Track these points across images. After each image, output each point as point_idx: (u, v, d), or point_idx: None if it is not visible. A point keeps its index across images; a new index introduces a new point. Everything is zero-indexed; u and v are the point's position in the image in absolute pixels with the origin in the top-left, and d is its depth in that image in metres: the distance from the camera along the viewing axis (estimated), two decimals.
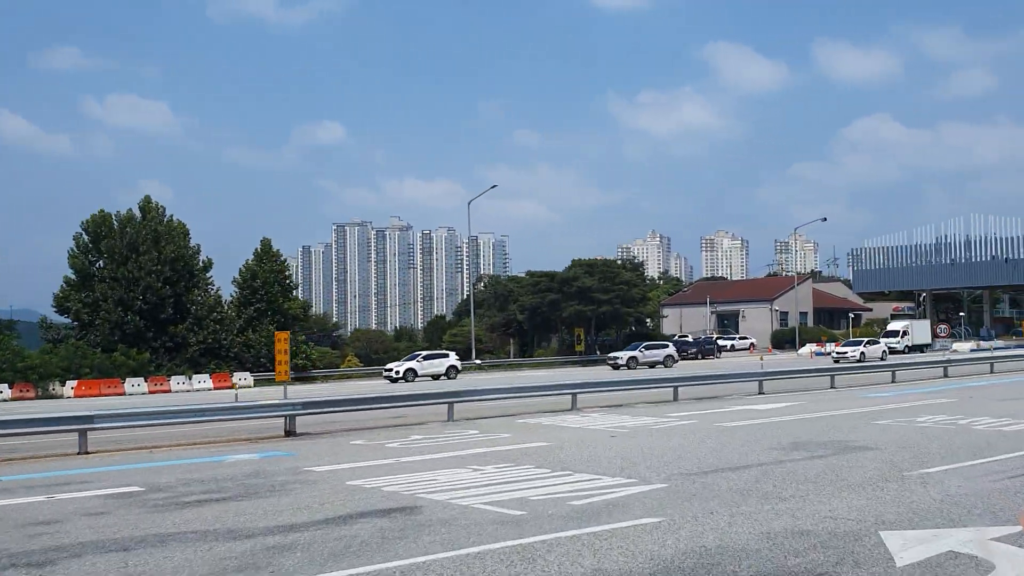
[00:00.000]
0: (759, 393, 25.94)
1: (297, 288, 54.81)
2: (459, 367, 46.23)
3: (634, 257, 64.43)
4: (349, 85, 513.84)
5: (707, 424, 17.48)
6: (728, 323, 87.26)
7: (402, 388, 28.32)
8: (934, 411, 19.52)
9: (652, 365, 50.73)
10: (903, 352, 59.47)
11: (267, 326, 49.59)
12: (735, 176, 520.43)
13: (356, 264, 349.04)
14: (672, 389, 23.63)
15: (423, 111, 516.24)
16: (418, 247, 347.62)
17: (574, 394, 20.86)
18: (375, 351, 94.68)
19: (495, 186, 53.68)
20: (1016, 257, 71.86)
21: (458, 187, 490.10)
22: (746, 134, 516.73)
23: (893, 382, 30.03)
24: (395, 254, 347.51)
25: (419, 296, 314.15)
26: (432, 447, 14.47)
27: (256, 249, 52.11)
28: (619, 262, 64.25)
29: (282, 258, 52.70)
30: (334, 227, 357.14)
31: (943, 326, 45.37)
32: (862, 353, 49.88)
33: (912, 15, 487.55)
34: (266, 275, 50.85)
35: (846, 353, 50.30)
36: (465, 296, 76.51)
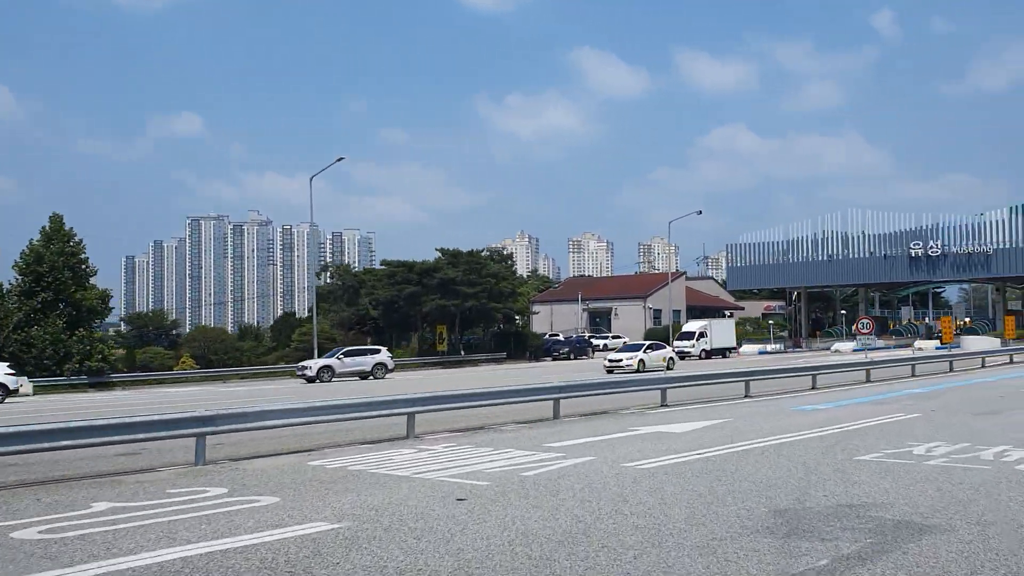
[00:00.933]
0: (662, 405, 19.82)
1: (95, 274, 45.27)
2: (12, 386, 31.32)
3: (503, 248, 58.02)
4: (207, 75, 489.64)
5: (611, 466, 11.00)
6: (600, 321, 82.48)
7: (128, 411, 20.55)
8: (914, 435, 13.84)
9: (363, 376, 40.13)
10: (699, 358, 52.70)
11: (55, 320, 40.32)
12: (599, 180, 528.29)
13: (212, 260, 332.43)
14: (552, 403, 17.10)
15: (284, 105, 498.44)
16: (278, 243, 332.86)
17: (411, 413, 14.00)
18: (215, 351, 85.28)
19: (342, 158, 45.93)
20: (893, 254, 69.66)
21: (323, 183, 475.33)
22: (610, 139, 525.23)
23: (814, 388, 24.61)
24: (254, 250, 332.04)
25: (279, 293, 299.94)
26: (93, 543, 7.31)
27: (44, 227, 42.28)
28: (486, 253, 57.65)
29: (76, 238, 42.96)
30: (188, 221, 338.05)
31: (865, 320, 40.45)
32: (641, 361, 38.43)
33: (767, 27, 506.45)
34: (54, 258, 41.22)
35: (621, 361, 38.66)
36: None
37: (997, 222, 65.57)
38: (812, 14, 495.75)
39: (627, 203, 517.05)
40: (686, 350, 52.59)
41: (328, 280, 63.56)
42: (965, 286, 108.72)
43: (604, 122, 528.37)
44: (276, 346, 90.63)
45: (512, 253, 65.63)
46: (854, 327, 50.54)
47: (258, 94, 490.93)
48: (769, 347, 66.36)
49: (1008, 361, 37.56)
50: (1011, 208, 65.29)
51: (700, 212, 74.77)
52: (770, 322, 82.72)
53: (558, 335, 72.00)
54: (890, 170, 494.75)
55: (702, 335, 55.15)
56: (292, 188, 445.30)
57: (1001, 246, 64.47)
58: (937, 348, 55.05)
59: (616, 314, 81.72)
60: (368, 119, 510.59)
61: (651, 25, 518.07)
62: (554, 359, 59.03)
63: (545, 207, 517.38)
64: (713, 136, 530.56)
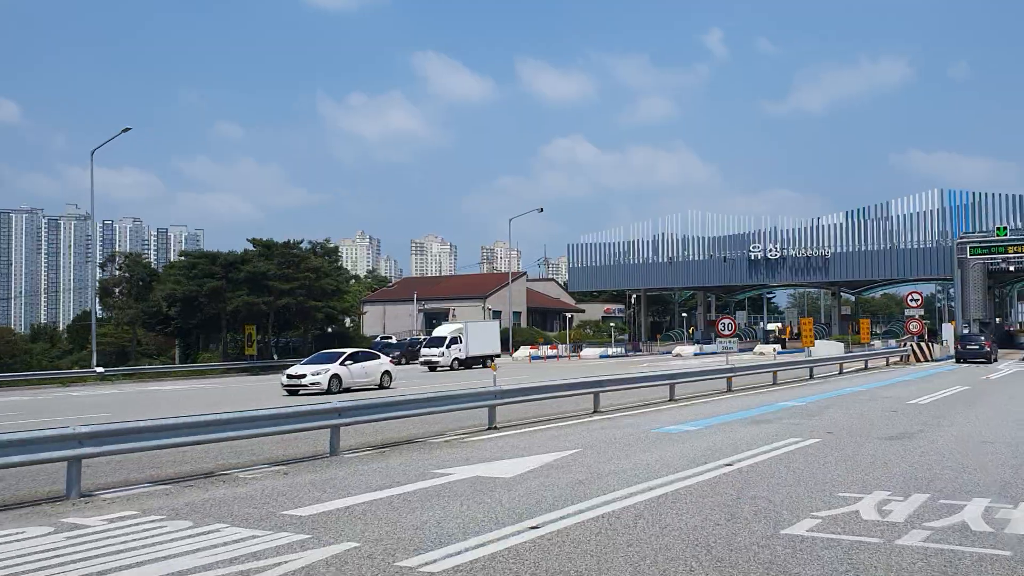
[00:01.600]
0: (489, 428, 15.15)
1: None
2: None
3: (327, 240, 52.25)
4: (24, 59, 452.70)
5: (380, 567, 6.10)
6: (438, 322, 77.60)
7: None
8: (836, 478, 9.79)
9: None
10: (451, 368, 43.39)
11: None
12: (444, 184, 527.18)
13: (23, 256, 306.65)
14: (329, 432, 12.00)
15: (111, 93, 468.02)
16: (97, 238, 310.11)
17: (74, 458, 8.55)
18: (2, 354, 75.33)
19: (128, 129, 38.91)
20: (732, 256, 68.57)
21: (152, 178, 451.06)
22: (455, 144, 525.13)
23: (672, 400, 20.64)
24: (71, 245, 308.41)
25: (96, 290, 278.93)
26: None
27: None
28: (307, 245, 51.55)
29: None
30: None
31: (727, 321, 37.03)
32: (335, 377, 26.79)
33: (604, 42, 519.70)
34: None
35: (303, 378, 26.45)
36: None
37: (832, 226, 65.45)
38: (649, 30, 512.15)
39: (472, 208, 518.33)
40: (435, 360, 43.83)
41: (115, 272, 55.56)
42: (793, 291, 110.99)
43: (449, 127, 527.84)
44: (72, 348, 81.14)
45: (338, 247, 59.55)
46: (715, 328, 47.66)
47: (81, 81, 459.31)
48: (611, 351, 63.61)
49: (863, 367, 35.40)
50: (847, 213, 65.26)
51: (541, 210, 71.38)
52: (611, 325, 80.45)
53: (391, 337, 66.84)
54: (719, 184, 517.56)
55: (455, 341, 45.34)
56: (120, 182, 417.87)
57: (838, 250, 64.29)
58: (779, 353, 53.54)
59: (454, 315, 77.18)
60: (202, 112, 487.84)
61: (495, 34, 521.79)
62: None
63: (388, 208, 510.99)
64: (555, 146, 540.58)
